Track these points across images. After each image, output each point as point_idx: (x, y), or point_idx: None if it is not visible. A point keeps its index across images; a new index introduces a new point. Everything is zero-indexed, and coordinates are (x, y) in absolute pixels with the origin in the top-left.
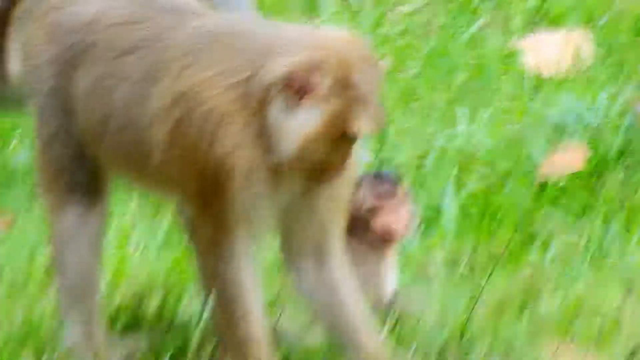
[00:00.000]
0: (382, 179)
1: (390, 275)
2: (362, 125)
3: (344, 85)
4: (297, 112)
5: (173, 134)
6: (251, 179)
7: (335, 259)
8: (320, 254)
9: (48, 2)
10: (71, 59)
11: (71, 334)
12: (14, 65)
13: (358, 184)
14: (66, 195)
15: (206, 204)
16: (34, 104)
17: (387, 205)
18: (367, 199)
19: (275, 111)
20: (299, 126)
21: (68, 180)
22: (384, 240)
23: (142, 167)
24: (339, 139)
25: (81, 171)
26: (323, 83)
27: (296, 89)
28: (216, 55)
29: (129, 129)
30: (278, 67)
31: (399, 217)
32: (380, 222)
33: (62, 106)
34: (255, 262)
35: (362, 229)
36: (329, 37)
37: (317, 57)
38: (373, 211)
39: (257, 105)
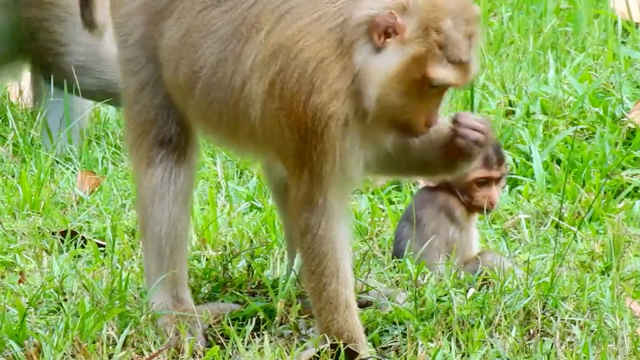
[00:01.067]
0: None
1: (475, 234)
2: (444, 74)
3: (430, 30)
4: (381, 53)
5: (272, 87)
6: (347, 128)
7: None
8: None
9: None
10: (160, 8)
11: (158, 298)
12: (101, 14)
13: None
14: (154, 150)
15: (302, 157)
16: (120, 56)
17: (492, 179)
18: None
19: (362, 53)
20: (381, 67)
21: (156, 134)
22: (482, 209)
23: (234, 125)
24: (421, 86)
25: (169, 124)
26: (408, 26)
27: (381, 30)
28: (308, 2)
29: (220, 88)
30: (366, 10)
31: (499, 190)
32: (483, 194)
33: (149, 57)
34: (347, 220)
35: (464, 194)
36: None
37: (405, 0)
38: (478, 182)
39: (347, 49)
